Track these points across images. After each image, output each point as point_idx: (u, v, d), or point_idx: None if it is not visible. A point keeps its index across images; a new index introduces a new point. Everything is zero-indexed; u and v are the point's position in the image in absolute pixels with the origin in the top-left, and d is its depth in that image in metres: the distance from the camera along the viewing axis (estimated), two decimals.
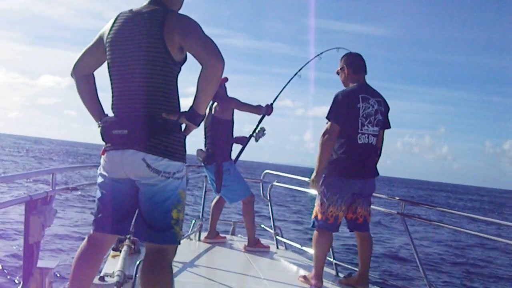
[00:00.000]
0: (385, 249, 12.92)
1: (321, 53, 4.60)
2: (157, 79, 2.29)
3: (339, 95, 3.76)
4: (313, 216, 3.89)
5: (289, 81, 5.27)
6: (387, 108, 3.91)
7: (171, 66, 2.30)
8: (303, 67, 5.12)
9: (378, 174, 3.90)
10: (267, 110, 5.03)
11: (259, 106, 4.96)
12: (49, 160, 44.21)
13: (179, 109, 2.37)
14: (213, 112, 4.89)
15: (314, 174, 3.79)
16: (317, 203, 3.85)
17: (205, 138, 4.99)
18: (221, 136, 4.90)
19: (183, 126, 2.40)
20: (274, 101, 5.13)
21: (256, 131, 5.13)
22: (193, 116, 2.33)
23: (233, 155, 5.10)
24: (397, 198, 4.11)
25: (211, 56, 2.21)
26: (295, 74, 5.18)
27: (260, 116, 5.09)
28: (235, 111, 4.97)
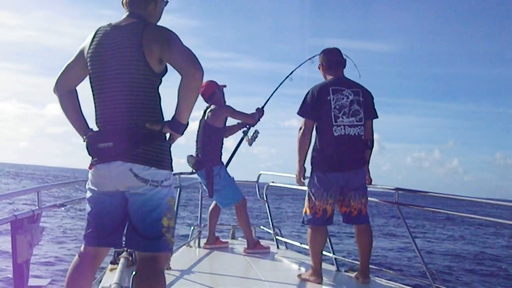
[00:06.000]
0: (382, 239, 12.94)
1: (313, 57, 4.56)
2: (138, 91, 2.31)
3: (309, 91, 3.83)
4: (303, 212, 3.91)
5: (280, 83, 5.26)
6: (369, 98, 3.87)
7: (151, 78, 2.33)
8: (294, 70, 5.09)
9: (364, 164, 3.86)
10: (259, 113, 5.04)
11: (253, 114, 4.99)
12: None
13: (163, 119, 2.39)
14: (205, 118, 4.90)
15: (297, 169, 3.89)
16: (305, 198, 3.88)
17: (196, 143, 5.00)
18: (211, 141, 4.92)
19: (168, 135, 2.41)
20: (264, 104, 5.14)
21: (249, 135, 5.11)
22: (176, 125, 2.35)
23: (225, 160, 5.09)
24: (390, 187, 4.09)
25: (189, 66, 2.23)
26: (286, 78, 5.16)
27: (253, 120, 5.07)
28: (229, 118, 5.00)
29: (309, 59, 4.67)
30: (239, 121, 5.11)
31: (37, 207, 2.49)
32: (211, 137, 4.91)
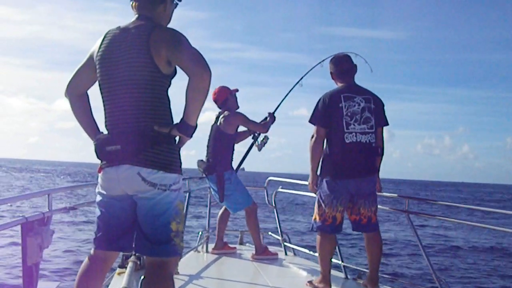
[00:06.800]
0: (391, 247, 12.86)
1: (322, 61, 4.56)
2: (147, 93, 2.30)
3: (320, 98, 3.83)
4: (312, 219, 3.90)
5: (290, 90, 5.31)
6: (380, 105, 3.87)
7: (160, 80, 2.32)
8: (304, 76, 5.12)
9: (375, 172, 3.84)
10: (270, 120, 5.06)
11: (265, 123, 5.00)
12: None
13: (172, 122, 2.38)
14: (218, 124, 4.92)
15: (310, 177, 3.88)
16: (315, 205, 3.86)
17: (207, 148, 5.01)
18: (222, 147, 4.94)
19: (177, 138, 2.40)
20: (275, 110, 5.15)
21: (258, 140, 5.13)
22: (185, 128, 2.33)
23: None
24: (400, 195, 4.07)
25: (196, 66, 2.22)
26: (297, 83, 5.19)
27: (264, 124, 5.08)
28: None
29: (319, 63, 4.66)
30: (252, 128, 5.10)
31: (48, 210, 2.50)
32: (222, 143, 4.93)
